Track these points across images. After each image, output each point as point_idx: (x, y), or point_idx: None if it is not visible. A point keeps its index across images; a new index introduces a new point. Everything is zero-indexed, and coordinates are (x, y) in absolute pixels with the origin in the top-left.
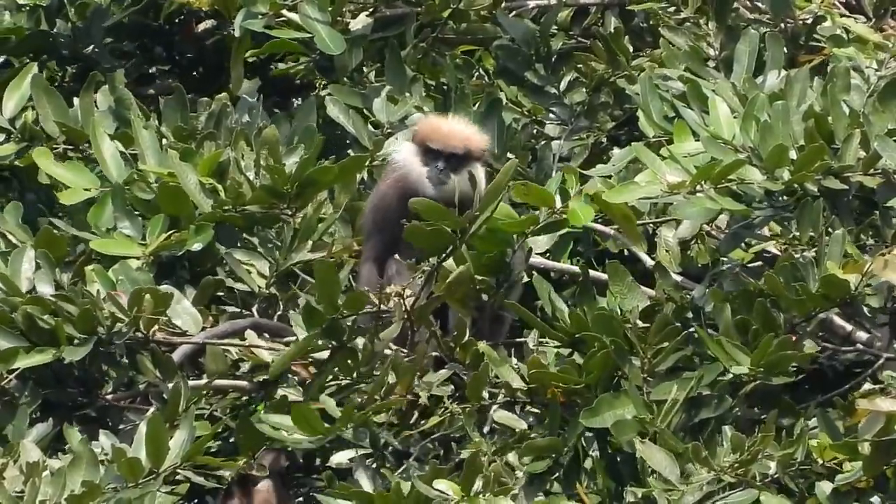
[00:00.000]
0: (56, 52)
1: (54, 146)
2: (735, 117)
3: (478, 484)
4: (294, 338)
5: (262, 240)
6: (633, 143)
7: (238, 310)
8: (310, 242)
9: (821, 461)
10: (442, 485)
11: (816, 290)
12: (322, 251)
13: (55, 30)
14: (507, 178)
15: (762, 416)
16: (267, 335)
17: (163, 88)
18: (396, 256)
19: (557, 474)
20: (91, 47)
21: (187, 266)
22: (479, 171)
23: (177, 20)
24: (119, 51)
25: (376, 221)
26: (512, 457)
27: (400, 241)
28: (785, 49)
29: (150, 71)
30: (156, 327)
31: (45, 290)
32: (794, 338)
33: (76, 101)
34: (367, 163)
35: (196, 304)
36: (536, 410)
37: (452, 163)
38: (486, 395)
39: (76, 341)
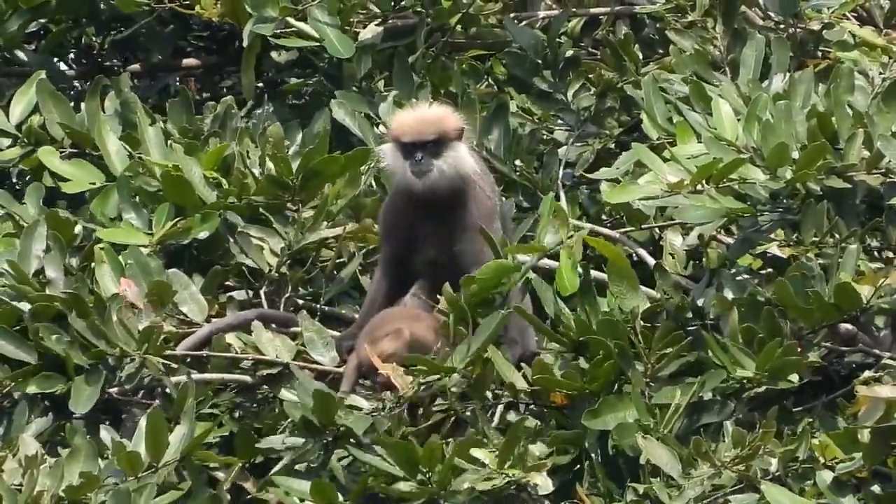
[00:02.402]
0: (95, 17)
1: (60, 149)
2: (738, 119)
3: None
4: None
5: (277, 219)
6: (634, 144)
7: (246, 296)
8: (325, 223)
9: (822, 459)
10: (479, 453)
11: (829, 300)
12: (338, 228)
13: None
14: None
15: (761, 421)
16: (274, 325)
17: (201, 61)
18: (412, 294)
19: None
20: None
21: (195, 255)
22: (461, 149)
23: None
24: (158, 17)
25: (386, 228)
26: (534, 447)
27: (411, 244)
28: (791, 54)
29: (188, 45)
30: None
31: (54, 275)
32: (799, 347)
33: (83, 105)
34: (371, 161)
35: (204, 294)
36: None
37: (430, 150)
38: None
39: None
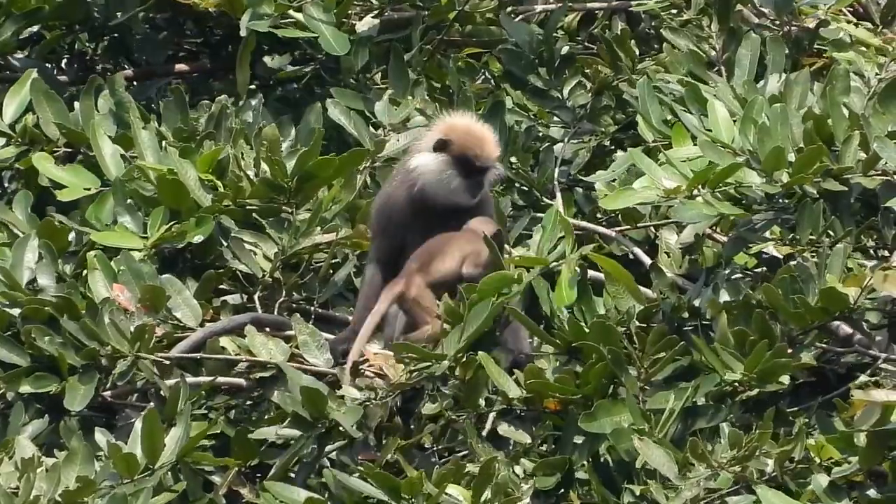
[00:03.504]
0: (88, 22)
1: (54, 149)
2: (734, 121)
3: (487, 492)
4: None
5: (271, 224)
6: (630, 149)
7: (240, 300)
8: (318, 228)
9: (818, 460)
10: (454, 490)
11: (816, 303)
12: (332, 234)
13: (88, 0)
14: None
15: (757, 423)
16: (267, 329)
17: (193, 66)
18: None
19: (563, 490)
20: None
21: (189, 258)
22: (500, 170)
23: None
24: (151, 23)
25: (381, 223)
26: (518, 468)
27: (406, 244)
28: (787, 51)
29: (182, 50)
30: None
31: (46, 282)
32: (789, 350)
33: (77, 104)
34: (366, 160)
35: (198, 298)
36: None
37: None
38: (482, 402)
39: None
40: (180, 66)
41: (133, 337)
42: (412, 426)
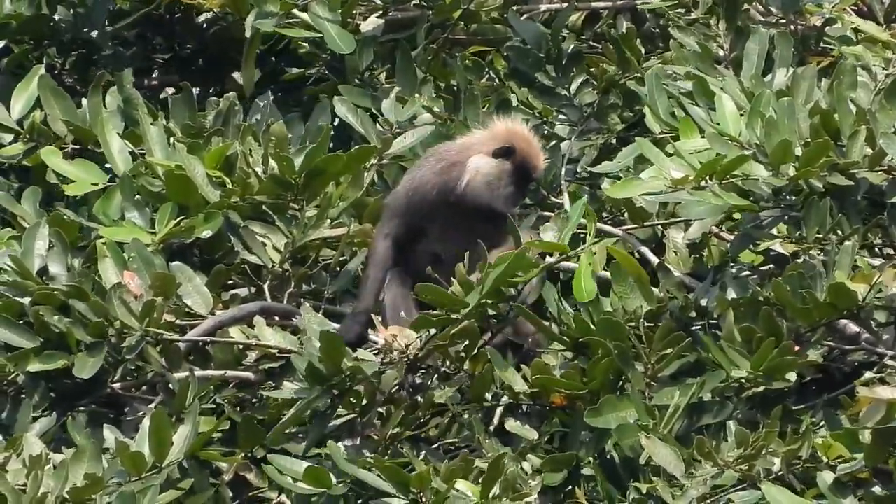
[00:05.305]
0: (57, 38)
1: (62, 146)
2: (742, 114)
3: (496, 488)
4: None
5: (279, 219)
6: (637, 139)
7: (249, 293)
8: (328, 221)
9: (825, 459)
10: (462, 485)
11: (824, 299)
12: (341, 229)
13: (56, 16)
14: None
15: (764, 421)
16: (277, 318)
17: (164, 80)
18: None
19: (570, 487)
20: (92, 33)
21: (198, 254)
22: None
23: (177, 10)
24: (120, 38)
25: (408, 203)
26: (526, 465)
27: (425, 229)
28: (794, 51)
29: (152, 64)
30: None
31: (57, 271)
32: (797, 347)
33: (84, 101)
34: (374, 156)
35: None
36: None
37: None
38: (488, 397)
39: (87, 345)
40: (151, 82)
41: (142, 313)
42: (419, 405)
